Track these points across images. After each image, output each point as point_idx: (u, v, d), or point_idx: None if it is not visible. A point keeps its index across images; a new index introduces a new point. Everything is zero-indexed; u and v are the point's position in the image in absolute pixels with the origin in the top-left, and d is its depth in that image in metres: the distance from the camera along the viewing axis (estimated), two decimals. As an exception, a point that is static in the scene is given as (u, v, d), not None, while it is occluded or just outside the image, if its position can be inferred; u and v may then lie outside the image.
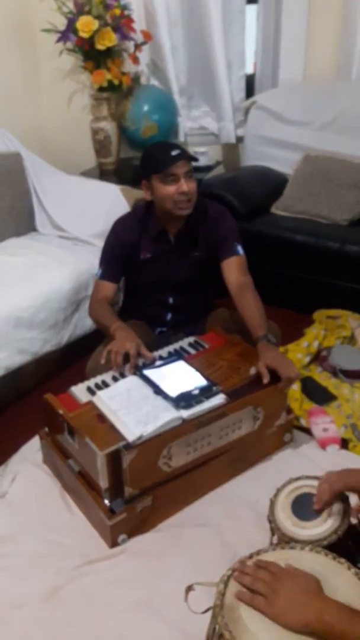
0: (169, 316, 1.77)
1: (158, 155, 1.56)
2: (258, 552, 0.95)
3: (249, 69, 2.84)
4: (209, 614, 0.87)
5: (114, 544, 1.28)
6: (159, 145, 1.65)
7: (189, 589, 0.93)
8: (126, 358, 1.45)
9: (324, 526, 1.04)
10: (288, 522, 1.08)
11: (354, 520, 1.07)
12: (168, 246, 1.67)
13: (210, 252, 1.67)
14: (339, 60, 2.54)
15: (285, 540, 1.03)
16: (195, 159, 1.61)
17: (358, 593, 0.84)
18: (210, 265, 1.68)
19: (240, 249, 1.65)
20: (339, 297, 2.19)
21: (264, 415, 1.45)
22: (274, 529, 1.09)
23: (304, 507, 1.09)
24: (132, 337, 1.49)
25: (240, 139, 2.83)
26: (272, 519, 1.10)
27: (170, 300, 1.75)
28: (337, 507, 1.06)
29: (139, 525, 1.31)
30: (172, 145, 1.59)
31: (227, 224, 1.67)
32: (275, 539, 1.09)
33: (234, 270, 1.63)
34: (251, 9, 2.67)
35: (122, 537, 1.28)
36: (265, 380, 1.40)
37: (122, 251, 1.67)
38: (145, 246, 1.67)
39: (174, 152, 1.52)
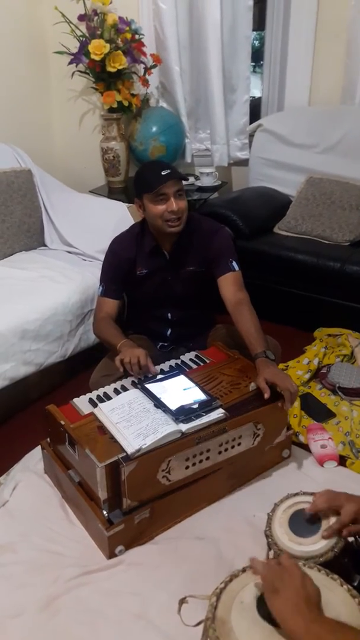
0: (169, 331, 1.78)
1: (148, 175, 1.56)
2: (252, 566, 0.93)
3: (257, 92, 2.89)
4: (202, 627, 0.87)
5: (111, 554, 1.28)
6: (150, 166, 1.67)
7: (182, 601, 0.93)
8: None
9: (320, 543, 1.03)
10: (285, 538, 1.07)
11: (350, 538, 1.06)
12: (163, 261, 1.68)
13: (204, 267, 1.67)
14: (343, 85, 2.58)
15: (281, 556, 1.04)
16: (185, 178, 1.60)
17: (349, 609, 0.84)
18: (207, 281, 1.68)
19: (235, 265, 1.64)
20: (339, 316, 2.19)
21: (264, 432, 1.44)
22: (271, 544, 1.08)
23: (301, 524, 1.08)
24: (138, 347, 1.52)
25: (242, 162, 2.86)
26: (269, 534, 1.09)
27: (169, 315, 1.76)
28: (334, 524, 1.05)
29: (136, 537, 1.30)
30: (163, 165, 1.58)
31: (222, 241, 1.66)
32: (271, 554, 1.08)
33: (230, 286, 1.62)
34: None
35: (119, 548, 1.28)
36: (267, 395, 1.38)
37: (121, 268, 1.68)
38: (141, 262, 1.68)
39: (164, 172, 1.51)
